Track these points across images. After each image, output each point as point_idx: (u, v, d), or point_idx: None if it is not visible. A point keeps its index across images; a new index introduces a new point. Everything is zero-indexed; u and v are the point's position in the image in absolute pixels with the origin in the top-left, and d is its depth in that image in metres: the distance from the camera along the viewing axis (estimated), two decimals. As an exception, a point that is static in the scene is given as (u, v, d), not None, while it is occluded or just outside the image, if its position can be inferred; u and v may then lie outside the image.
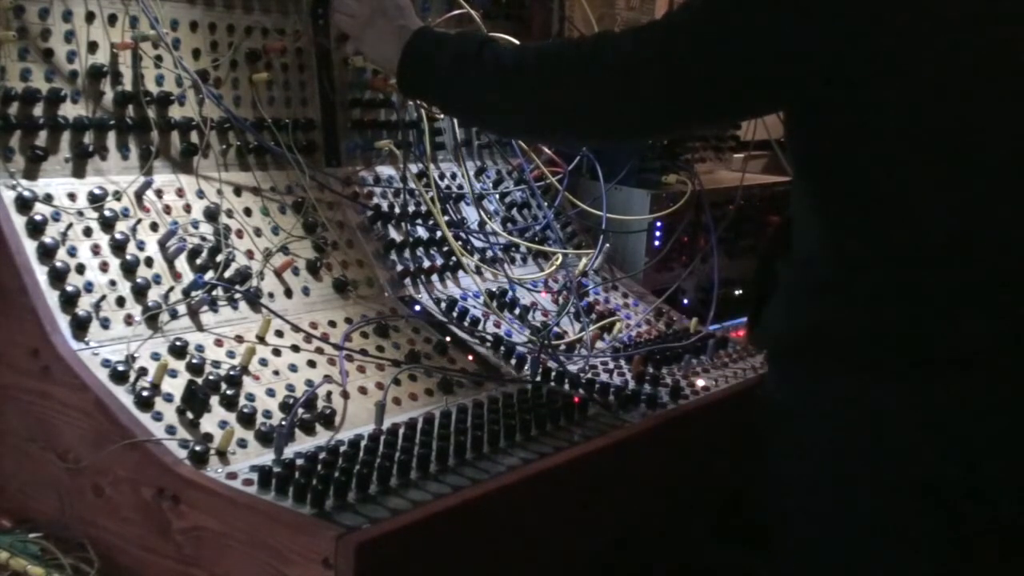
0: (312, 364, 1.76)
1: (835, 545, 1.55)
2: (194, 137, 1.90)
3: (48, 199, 1.68)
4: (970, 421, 1.47)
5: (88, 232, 1.70)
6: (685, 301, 2.62)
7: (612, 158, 2.54)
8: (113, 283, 1.68)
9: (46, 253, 1.63)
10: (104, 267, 1.68)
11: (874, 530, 1.51)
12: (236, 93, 1.98)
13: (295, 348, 1.78)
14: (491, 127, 2.14)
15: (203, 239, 1.82)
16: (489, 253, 2.25)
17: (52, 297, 1.60)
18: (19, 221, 1.64)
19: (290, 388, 1.70)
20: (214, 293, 1.76)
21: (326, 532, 1.34)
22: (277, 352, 1.75)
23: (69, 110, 1.75)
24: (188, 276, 1.76)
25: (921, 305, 1.47)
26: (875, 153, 1.46)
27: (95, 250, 1.69)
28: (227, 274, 1.81)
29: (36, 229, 1.64)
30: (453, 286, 2.16)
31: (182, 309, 1.72)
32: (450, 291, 2.14)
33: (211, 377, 1.63)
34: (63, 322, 1.59)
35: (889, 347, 1.49)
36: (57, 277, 1.62)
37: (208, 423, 1.57)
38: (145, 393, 1.55)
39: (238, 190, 1.93)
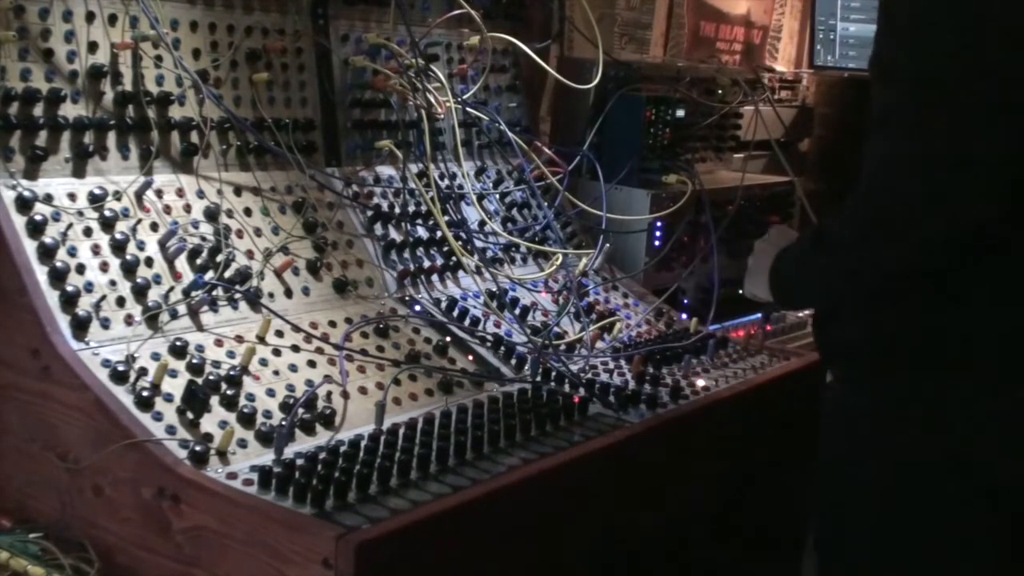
0: (312, 364, 1.76)
1: (894, 546, 1.56)
2: (194, 137, 1.90)
3: (48, 199, 1.68)
4: None
5: (88, 232, 1.70)
6: (685, 301, 2.62)
7: (612, 158, 2.54)
8: (113, 283, 1.68)
9: (46, 253, 1.63)
10: (104, 267, 1.68)
11: (934, 532, 1.52)
12: (236, 93, 1.98)
13: (295, 348, 1.78)
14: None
15: (203, 239, 1.82)
16: (489, 253, 2.25)
17: (52, 297, 1.60)
18: (19, 221, 1.64)
19: (290, 388, 1.70)
20: (214, 293, 1.76)
21: (326, 532, 1.34)
22: (277, 352, 1.75)
23: (69, 110, 1.75)
24: (188, 276, 1.76)
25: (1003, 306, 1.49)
26: None
27: (95, 250, 1.69)
28: (227, 274, 1.81)
29: (36, 229, 1.64)
30: (453, 286, 2.16)
31: (182, 309, 1.72)
32: (450, 291, 2.14)
33: (211, 377, 1.63)
34: (63, 322, 1.59)
35: (970, 349, 1.51)
36: (57, 277, 1.62)
37: (208, 423, 1.57)
38: (145, 393, 1.55)
39: (238, 190, 1.93)
